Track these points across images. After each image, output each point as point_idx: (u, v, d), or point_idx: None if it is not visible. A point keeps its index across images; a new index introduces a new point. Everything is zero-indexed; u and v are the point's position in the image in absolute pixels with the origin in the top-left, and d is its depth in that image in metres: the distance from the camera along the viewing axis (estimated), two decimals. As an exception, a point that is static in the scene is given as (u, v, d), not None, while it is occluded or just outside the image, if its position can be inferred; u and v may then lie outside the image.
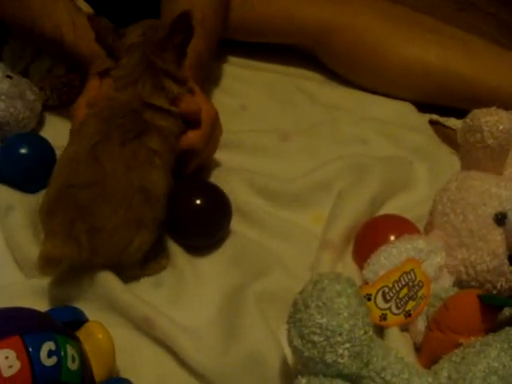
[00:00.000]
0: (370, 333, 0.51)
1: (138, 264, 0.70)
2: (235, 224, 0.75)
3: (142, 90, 0.70)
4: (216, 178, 0.81)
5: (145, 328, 0.65)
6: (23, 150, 0.78)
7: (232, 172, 0.82)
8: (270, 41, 1.03)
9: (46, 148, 0.80)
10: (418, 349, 0.63)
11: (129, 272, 0.70)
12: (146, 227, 0.67)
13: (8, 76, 0.86)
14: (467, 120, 0.69)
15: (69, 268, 0.67)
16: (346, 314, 0.49)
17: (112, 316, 0.66)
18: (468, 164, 0.71)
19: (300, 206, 0.79)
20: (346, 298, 0.49)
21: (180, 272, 0.72)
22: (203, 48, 0.84)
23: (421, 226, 0.74)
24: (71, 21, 0.80)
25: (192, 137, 0.73)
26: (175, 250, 0.74)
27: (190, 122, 0.73)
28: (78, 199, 0.64)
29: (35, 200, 0.75)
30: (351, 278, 0.53)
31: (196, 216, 0.73)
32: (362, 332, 0.49)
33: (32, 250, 0.69)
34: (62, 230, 0.63)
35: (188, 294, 0.70)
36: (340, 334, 0.49)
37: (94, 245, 0.64)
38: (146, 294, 0.69)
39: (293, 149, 0.88)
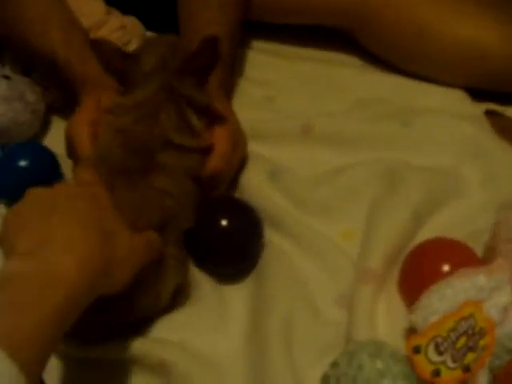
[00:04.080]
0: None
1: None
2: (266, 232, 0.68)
3: (168, 121, 0.61)
4: (239, 177, 0.73)
5: (161, 374, 0.58)
6: (22, 163, 0.72)
7: (254, 170, 0.73)
8: (301, 22, 0.92)
9: (46, 160, 0.74)
10: (478, 407, 0.52)
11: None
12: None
13: (5, 76, 0.79)
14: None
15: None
16: (390, 403, 0.38)
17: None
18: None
19: (327, 218, 0.70)
20: (390, 381, 0.38)
21: (203, 297, 0.65)
22: (225, 36, 0.75)
23: (476, 243, 0.63)
24: (65, 39, 0.72)
25: (211, 164, 0.65)
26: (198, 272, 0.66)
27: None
28: None
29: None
30: (396, 350, 0.42)
31: (222, 241, 0.64)
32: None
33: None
34: None
35: (211, 321, 0.63)
36: (383, 430, 0.38)
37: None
38: (168, 321, 0.62)
39: (316, 142, 0.78)
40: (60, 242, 0.44)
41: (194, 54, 0.63)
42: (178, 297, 0.63)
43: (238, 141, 0.70)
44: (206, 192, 0.66)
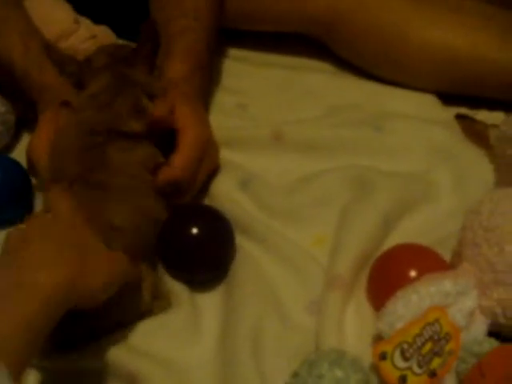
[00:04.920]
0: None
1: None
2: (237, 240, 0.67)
3: (122, 108, 0.63)
4: (210, 185, 0.73)
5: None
6: None
7: (225, 178, 0.73)
8: (270, 29, 0.92)
9: (16, 173, 0.73)
10: (446, 411, 0.53)
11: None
12: None
13: (-27, 88, 0.77)
14: (503, 127, 0.58)
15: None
16: (349, 412, 0.38)
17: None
18: (505, 179, 0.60)
19: (298, 225, 0.69)
20: (349, 390, 0.38)
21: (176, 305, 0.64)
22: (201, 45, 0.76)
23: (445, 248, 0.63)
24: (23, 45, 0.72)
25: (173, 169, 0.64)
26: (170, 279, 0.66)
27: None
28: None
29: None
30: (357, 358, 0.42)
31: (194, 249, 0.64)
32: None
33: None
34: None
35: (183, 329, 0.62)
36: None
37: None
38: (139, 329, 0.61)
39: (288, 149, 0.77)
40: (36, 260, 0.49)
41: (140, 42, 0.67)
42: (157, 304, 0.63)
43: (208, 151, 0.69)
44: (167, 198, 0.65)
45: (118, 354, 0.59)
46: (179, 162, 0.64)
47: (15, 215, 0.66)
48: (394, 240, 0.66)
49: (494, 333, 0.55)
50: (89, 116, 0.63)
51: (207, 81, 0.79)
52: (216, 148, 0.73)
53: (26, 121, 0.82)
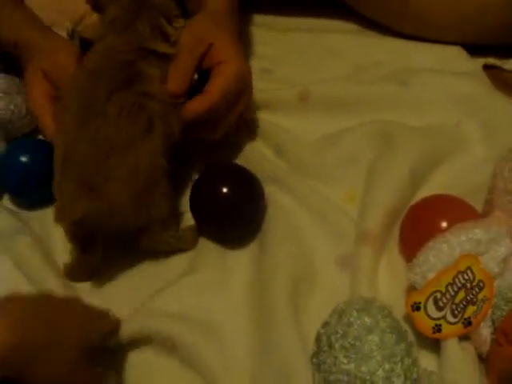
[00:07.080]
0: (415, 375, 0.40)
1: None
2: (268, 194, 0.68)
3: (143, 30, 0.63)
4: (241, 146, 0.74)
5: (167, 348, 0.59)
6: (25, 158, 0.72)
7: (253, 138, 0.74)
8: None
9: (49, 154, 0.72)
10: (483, 359, 0.53)
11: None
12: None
13: (2, 70, 0.79)
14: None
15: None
16: (379, 358, 0.38)
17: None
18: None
19: (328, 183, 0.69)
20: (378, 336, 0.39)
21: (207, 264, 0.65)
22: None
23: (477, 199, 0.62)
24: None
25: (211, 93, 0.63)
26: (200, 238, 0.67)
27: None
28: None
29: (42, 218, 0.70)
30: (386, 304, 0.42)
31: (223, 207, 0.64)
32: (401, 379, 0.39)
33: (45, 273, 0.64)
34: (77, 186, 0.59)
35: (215, 288, 0.63)
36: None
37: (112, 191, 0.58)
38: (171, 290, 0.63)
39: (314, 108, 0.77)
40: None
41: None
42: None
43: (247, 87, 0.68)
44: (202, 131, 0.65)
45: (154, 320, 0.60)
46: (218, 88, 0.63)
47: (46, 197, 0.69)
48: (424, 193, 0.65)
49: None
50: (112, 39, 0.63)
51: (240, 23, 0.77)
52: (251, 85, 0.70)
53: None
